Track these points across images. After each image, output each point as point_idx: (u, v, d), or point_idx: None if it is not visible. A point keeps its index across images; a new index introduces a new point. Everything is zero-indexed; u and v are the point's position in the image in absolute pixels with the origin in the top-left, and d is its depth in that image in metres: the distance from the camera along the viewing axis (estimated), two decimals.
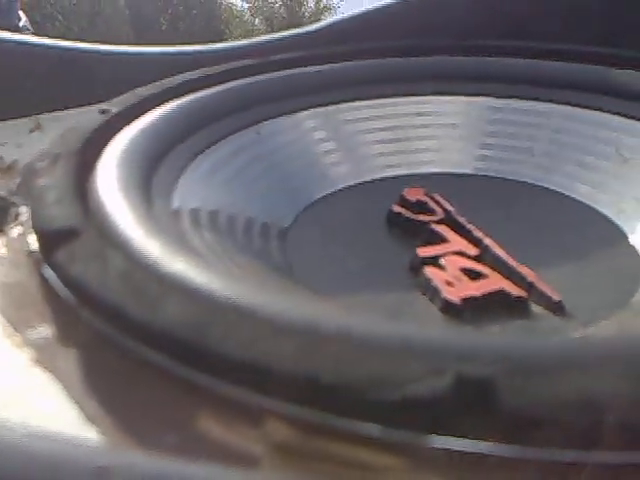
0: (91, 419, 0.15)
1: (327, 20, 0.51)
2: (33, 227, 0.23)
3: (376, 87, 0.41)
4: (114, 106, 0.34)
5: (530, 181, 0.37)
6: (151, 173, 0.30)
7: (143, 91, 0.36)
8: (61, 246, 0.20)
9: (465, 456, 0.14)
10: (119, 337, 0.17)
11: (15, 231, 0.24)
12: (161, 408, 0.15)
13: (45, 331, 0.18)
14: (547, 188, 0.36)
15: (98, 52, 0.42)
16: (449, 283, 0.26)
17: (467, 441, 0.14)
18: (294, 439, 0.14)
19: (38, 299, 0.20)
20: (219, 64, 0.42)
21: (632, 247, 0.31)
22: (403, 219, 0.33)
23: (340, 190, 0.36)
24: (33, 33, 1.09)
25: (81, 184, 0.25)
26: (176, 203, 0.29)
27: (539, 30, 0.46)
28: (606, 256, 0.30)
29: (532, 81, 0.42)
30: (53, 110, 0.39)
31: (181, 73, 0.40)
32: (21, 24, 1.04)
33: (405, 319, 0.25)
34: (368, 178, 0.37)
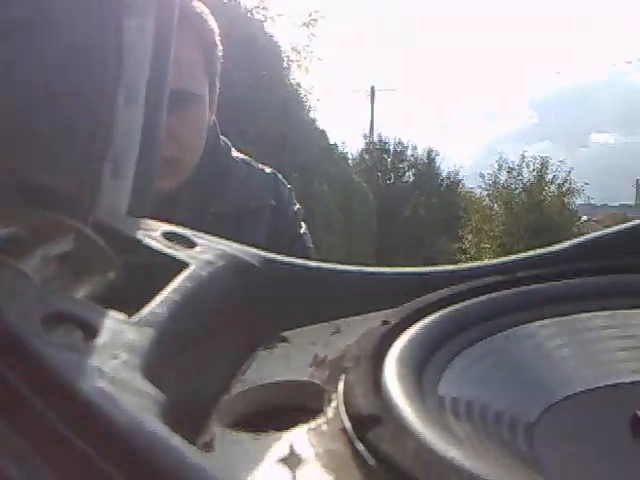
0: None
1: (579, 238, 0.58)
2: (346, 411, 0.33)
3: (612, 300, 0.46)
4: (391, 317, 0.45)
5: None
6: (422, 370, 0.38)
7: (412, 305, 0.47)
8: (369, 429, 0.29)
9: None
10: None
11: (330, 412, 0.34)
12: None
13: None
14: None
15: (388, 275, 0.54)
16: None
17: None
18: None
19: (352, 465, 0.29)
20: (470, 280, 0.51)
21: None
22: None
23: (581, 392, 0.41)
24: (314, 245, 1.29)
25: (376, 379, 0.35)
26: (440, 392, 0.37)
27: None
28: None
29: None
30: (340, 317, 0.51)
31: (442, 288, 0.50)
32: (307, 245, 1.26)
33: None
34: (607, 382, 0.41)
